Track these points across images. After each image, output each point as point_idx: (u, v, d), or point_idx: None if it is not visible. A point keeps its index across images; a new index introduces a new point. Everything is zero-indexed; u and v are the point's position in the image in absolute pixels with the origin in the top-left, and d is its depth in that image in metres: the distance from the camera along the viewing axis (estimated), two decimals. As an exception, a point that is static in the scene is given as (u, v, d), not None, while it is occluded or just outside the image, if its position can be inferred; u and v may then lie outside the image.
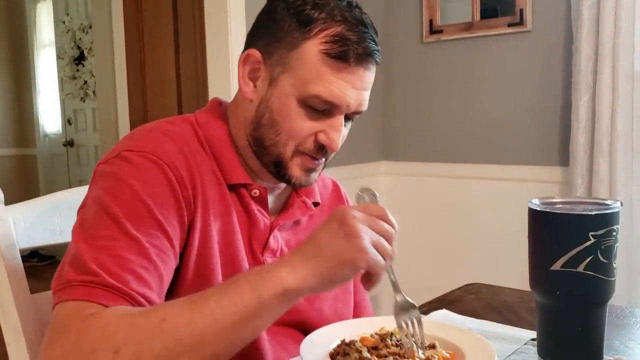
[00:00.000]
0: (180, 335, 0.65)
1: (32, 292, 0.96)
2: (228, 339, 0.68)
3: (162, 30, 2.68)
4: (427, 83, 2.70)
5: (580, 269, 0.70)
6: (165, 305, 0.70)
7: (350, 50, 0.84)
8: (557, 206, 0.74)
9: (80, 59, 4.63)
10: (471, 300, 1.20)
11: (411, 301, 0.79)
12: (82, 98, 4.64)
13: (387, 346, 0.79)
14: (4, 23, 4.95)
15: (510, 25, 2.43)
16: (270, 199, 0.96)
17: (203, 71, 2.42)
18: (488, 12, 2.51)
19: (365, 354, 0.76)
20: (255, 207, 0.92)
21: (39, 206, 1.02)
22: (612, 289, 0.73)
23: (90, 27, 4.11)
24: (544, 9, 2.36)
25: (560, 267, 0.71)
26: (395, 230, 0.74)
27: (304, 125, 0.87)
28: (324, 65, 0.84)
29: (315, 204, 1.01)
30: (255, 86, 0.90)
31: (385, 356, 0.76)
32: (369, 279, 0.75)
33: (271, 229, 0.93)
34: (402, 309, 0.78)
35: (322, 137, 0.87)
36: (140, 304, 0.72)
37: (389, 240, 0.73)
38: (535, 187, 2.37)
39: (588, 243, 0.70)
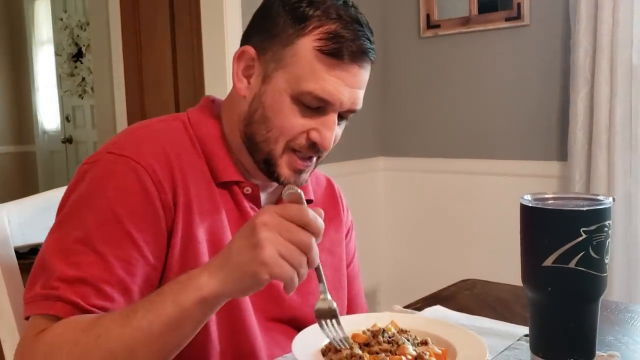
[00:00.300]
0: (113, 349, 0.70)
1: (29, 288, 0.97)
2: (158, 348, 0.72)
3: (158, 27, 2.68)
4: (424, 78, 2.69)
5: (572, 264, 0.70)
6: (103, 320, 0.73)
7: (344, 48, 0.84)
8: (549, 202, 0.74)
9: (78, 56, 4.62)
10: (466, 296, 1.20)
11: (333, 307, 0.76)
12: (80, 95, 4.64)
13: (378, 343, 0.79)
14: (2, 20, 4.93)
15: (507, 19, 2.42)
16: (264, 197, 0.96)
17: (200, 68, 2.42)
18: (485, 7, 2.50)
19: (357, 350, 0.76)
20: (247, 205, 0.92)
21: (33, 204, 1.03)
22: (604, 285, 0.73)
23: (88, 24, 4.10)
24: (541, 3, 2.35)
25: (552, 263, 0.71)
26: (318, 233, 0.69)
27: (296, 123, 0.87)
28: (318, 62, 0.84)
29: (309, 201, 1.01)
30: (249, 83, 0.90)
31: (377, 353, 0.76)
32: (284, 285, 0.70)
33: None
34: (320, 316, 0.76)
35: (314, 135, 0.87)
36: None
37: (304, 247, 0.68)
38: (534, 182, 2.36)
39: (579, 239, 0.69)
